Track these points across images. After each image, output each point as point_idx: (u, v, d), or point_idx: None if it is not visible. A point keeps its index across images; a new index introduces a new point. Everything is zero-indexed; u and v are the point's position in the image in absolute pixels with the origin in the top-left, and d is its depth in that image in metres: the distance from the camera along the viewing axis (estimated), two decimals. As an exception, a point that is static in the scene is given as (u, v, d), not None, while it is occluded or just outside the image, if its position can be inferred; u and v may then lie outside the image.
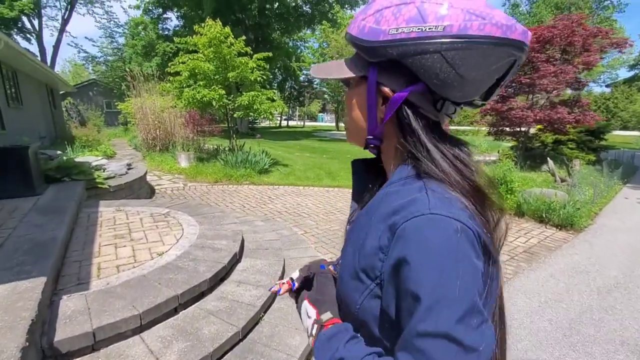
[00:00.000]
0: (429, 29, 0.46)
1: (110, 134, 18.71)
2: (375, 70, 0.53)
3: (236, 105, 8.28)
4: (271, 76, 41.31)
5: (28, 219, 2.92)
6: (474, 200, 0.49)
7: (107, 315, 1.78)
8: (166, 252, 2.64)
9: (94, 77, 32.72)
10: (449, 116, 0.54)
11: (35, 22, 27.51)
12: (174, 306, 2.05)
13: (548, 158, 7.54)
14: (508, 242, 4.28)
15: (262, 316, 2.24)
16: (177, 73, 8.48)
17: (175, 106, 8.46)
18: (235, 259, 2.73)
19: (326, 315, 0.58)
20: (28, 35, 26.65)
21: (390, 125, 0.55)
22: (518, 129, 8.77)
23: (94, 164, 6.59)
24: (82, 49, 35.43)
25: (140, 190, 5.82)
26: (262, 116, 8.39)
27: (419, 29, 0.46)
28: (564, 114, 7.66)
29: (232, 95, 8.51)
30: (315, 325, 0.57)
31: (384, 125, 0.55)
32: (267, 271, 2.68)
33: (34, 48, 28.46)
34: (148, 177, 7.69)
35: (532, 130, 8.95)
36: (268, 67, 9.53)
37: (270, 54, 8.84)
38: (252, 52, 8.69)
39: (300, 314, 0.65)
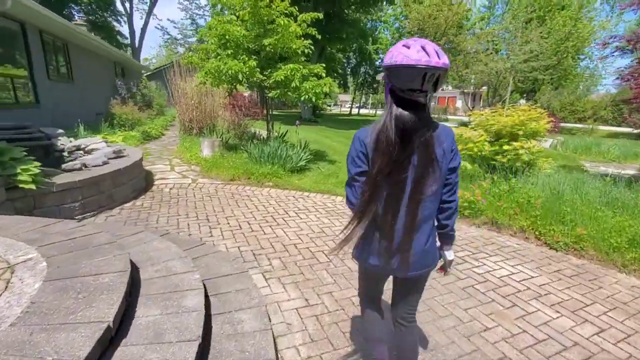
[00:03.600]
0: (392, 62, 1.16)
1: (175, 113, 18.68)
2: (386, 75, 1.24)
3: (271, 81, 6.42)
4: (344, 60, 39.19)
5: None
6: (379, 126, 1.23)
7: None
8: None
9: (177, 59, 34.36)
10: (406, 92, 1.19)
11: (127, 5, 29.37)
12: None
13: None
14: None
15: None
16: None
17: (205, 82, 6.94)
18: None
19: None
20: (119, 18, 28.55)
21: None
22: None
23: (91, 146, 5.38)
24: (167, 32, 37.40)
25: (117, 188, 4.34)
26: (302, 97, 6.40)
27: (389, 62, 1.17)
28: None
29: (269, 70, 6.66)
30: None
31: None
32: None
33: (125, 30, 30.57)
34: (160, 167, 6.37)
35: None
36: (320, 36, 7.45)
37: (321, 15, 6.75)
38: (297, 14, 6.70)
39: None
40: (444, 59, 1.12)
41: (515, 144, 4.48)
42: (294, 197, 5.07)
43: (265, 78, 6.66)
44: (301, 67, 6.28)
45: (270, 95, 6.73)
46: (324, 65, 6.77)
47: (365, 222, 1.27)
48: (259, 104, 9.49)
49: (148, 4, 30.85)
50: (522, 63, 18.42)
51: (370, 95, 48.82)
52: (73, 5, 27.07)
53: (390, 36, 24.23)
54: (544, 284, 2.93)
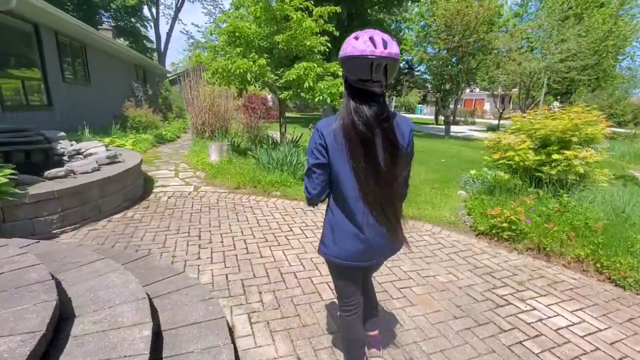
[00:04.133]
0: (343, 53, 1.20)
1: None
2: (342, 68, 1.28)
3: (282, 81, 5.91)
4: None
5: None
6: (341, 122, 1.25)
7: None
8: None
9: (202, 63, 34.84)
10: (359, 82, 1.22)
11: (154, 11, 30.02)
12: None
13: None
14: None
15: None
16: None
17: (214, 83, 6.54)
18: None
19: None
20: (145, 23, 29.19)
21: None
22: None
23: (89, 150, 5.09)
24: (192, 36, 38.03)
25: (106, 198, 3.92)
26: (317, 99, 5.84)
27: (341, 54, 1.21)
28: None
29: (281, 70, 6.16)
30: None
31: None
32: None
33: (151, 35, 31.25)
34: (164, 172, 6.00)
35: None
36: (338, 33, 6.91)
37: (339, 9, 6.18)
38: (313, 8, 6.17)
39: None
40: (391, 49, 1.15)
41: (567, 152, 3.70)
42: (302, 209, 4.50)
43: (277, 78, 6.17)
44: (315, 65, 5.73)
45: (281, 96, 6.22)
46: (337, 62, 6.20)
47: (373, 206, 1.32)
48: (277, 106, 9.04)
49: (173, 9, 31.47)
50: (559, 63, 17.11)
51: (394, 97, 47.71)
52: (103, 12, 28.01)
53: (415, 35, 23.31)
54: (616, 341, 2.21)
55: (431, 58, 14.26)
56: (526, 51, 14.32)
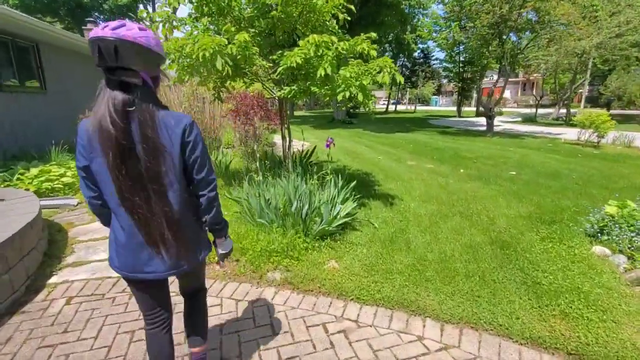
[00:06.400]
0: None
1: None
2: None
3: (280, 69, 3.56)
4: (379, 52, 35.71)
5: None
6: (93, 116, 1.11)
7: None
8: None
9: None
10: (110, 74, 1.09)
11: (150, 9, 28.17)
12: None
13: None
14: None
15: None
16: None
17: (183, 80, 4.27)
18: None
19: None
20: (141, 23, 27.38)
21: None
22: None
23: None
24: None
25: None
26: (340, 95, 3.51)
27: None
28: None
29: (279, 52, 3.81)
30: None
31: None
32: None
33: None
34: (93, 228, 3.73)
35: None
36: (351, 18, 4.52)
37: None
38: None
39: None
40: (120, 31, 1.05)
41: None
42: (324, 325, 2.18)
43: (272, 65, 3.85)
44: (335, 39, 3.36)
45: (279, 94, 3.90)
46: (374, 35, 3.79)
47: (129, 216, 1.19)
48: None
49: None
50: (614, 38, 14.19)
51: (408, 89, 44.71)
52: (97, 14, 26.41)
53: (434, 22, 20.70)
54: None
55: (468, 37, 11.65)
56: (588, 23, 11.55)
